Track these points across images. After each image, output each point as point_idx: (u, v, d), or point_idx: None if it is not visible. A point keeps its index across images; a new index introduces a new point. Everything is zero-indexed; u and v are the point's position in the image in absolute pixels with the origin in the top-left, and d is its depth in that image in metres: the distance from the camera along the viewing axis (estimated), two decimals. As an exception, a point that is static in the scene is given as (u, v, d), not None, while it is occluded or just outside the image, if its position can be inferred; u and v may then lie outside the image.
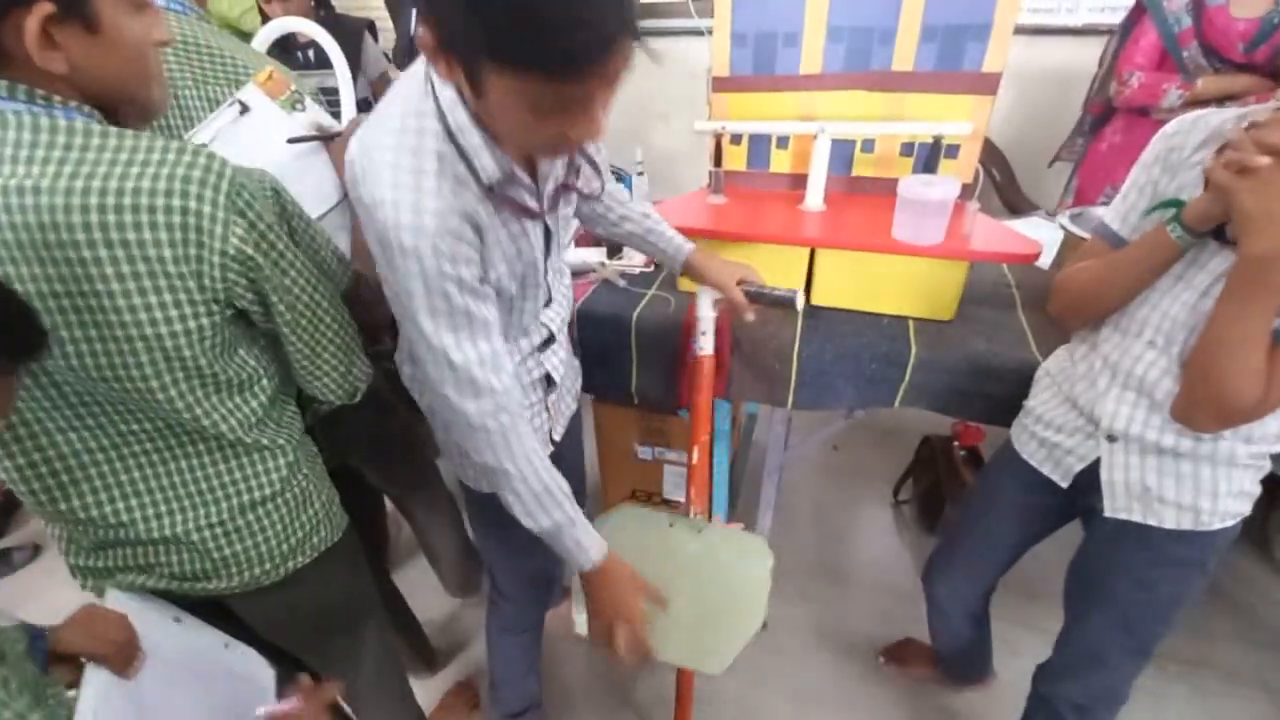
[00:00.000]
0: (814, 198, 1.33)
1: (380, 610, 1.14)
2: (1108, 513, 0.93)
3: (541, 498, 0.81)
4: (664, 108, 2.64)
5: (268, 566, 0.85)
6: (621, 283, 1.42)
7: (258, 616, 0.93)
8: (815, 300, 1.30)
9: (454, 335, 0.72)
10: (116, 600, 0.77)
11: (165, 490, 0.77)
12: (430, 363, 0.74)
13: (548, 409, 1.00)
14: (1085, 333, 0.97)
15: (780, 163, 1.44)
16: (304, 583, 0.89)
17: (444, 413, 0.78)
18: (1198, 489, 0.86)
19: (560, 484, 0.83)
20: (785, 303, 1.02)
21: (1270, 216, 0.67)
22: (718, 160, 1.38)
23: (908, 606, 1.72)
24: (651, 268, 1.50)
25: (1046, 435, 0.99)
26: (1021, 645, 1.55)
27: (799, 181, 1.38)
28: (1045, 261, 1.39)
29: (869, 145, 1.36)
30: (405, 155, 0.66)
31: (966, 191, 1.20)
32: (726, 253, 1.28)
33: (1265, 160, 0.67)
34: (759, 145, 1.44)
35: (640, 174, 1.57)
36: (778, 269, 1.28)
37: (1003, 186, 2.28)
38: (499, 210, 0.74)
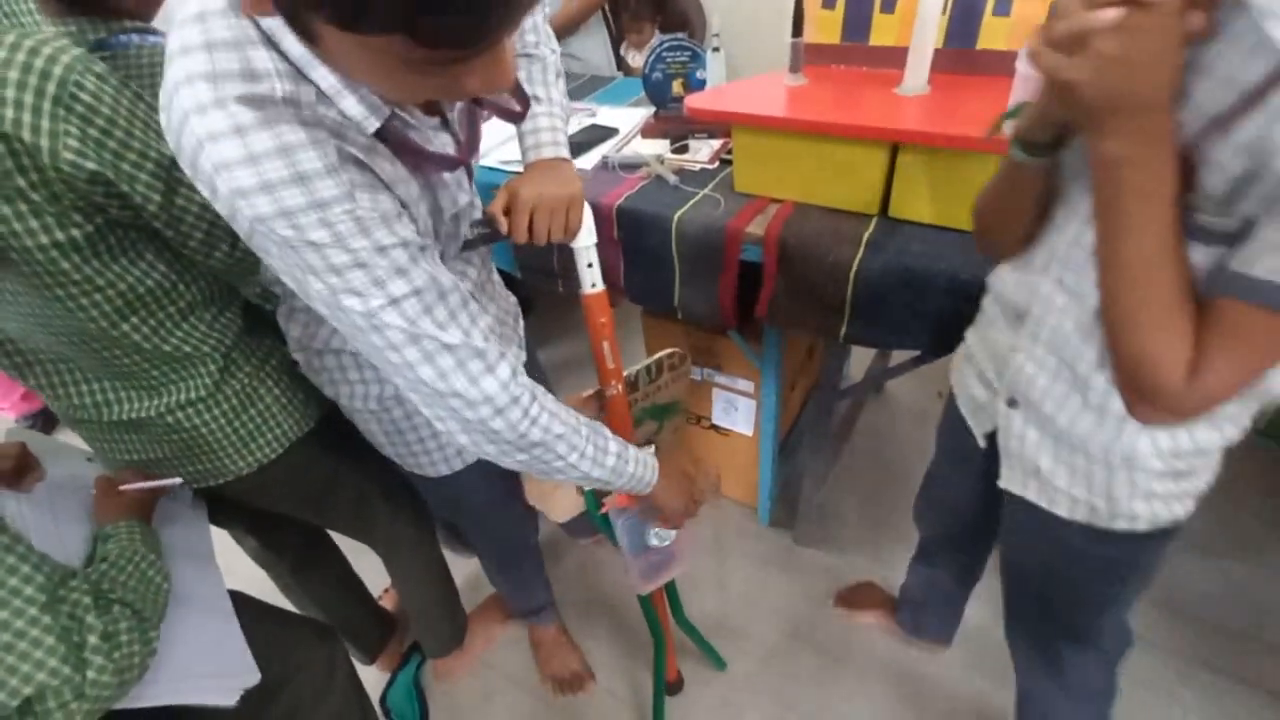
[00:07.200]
0: (914, 77, 1.04)
1: (390, 485, 1.11)
2: (1002, 483, 0.80)
3: (593, 439, 0.72)
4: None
5: (222, 461, 0.85)
6: (673, 180, 1.24)
7: (250, 499, 0.95)
8: (893, 212, 1.04)
9: (429, 316, 0.55)
10: (19, 433, 0.83)
11: (114, 381, 0.78)
12: (416, 363, 0.56)
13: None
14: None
15: (884, 33, 1.14)
16: (280, 469, 0.90)
17: (460, 413, 0.61)
18: (1090, 487, 0.70)
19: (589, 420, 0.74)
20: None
21: (1112, 102, 0.47)
22: (798, 28, 1.11)
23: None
24: (715, 164, 1.30)
25: (970, 383, 0.83)
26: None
27: (905, 59, 1.08)
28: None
29: (1004, 4, 1.01)
30: (229, 84, 0.44)
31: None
32: (790, 147, 1.06)
33: (1106, 16, 0.43)
34: (858, 8, 1.14)
35: (716, 50, 1.32)
36: (847, 172, 1.03)
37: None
38: (399, 158, 0.56)
